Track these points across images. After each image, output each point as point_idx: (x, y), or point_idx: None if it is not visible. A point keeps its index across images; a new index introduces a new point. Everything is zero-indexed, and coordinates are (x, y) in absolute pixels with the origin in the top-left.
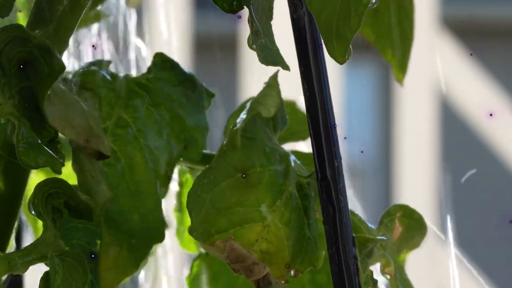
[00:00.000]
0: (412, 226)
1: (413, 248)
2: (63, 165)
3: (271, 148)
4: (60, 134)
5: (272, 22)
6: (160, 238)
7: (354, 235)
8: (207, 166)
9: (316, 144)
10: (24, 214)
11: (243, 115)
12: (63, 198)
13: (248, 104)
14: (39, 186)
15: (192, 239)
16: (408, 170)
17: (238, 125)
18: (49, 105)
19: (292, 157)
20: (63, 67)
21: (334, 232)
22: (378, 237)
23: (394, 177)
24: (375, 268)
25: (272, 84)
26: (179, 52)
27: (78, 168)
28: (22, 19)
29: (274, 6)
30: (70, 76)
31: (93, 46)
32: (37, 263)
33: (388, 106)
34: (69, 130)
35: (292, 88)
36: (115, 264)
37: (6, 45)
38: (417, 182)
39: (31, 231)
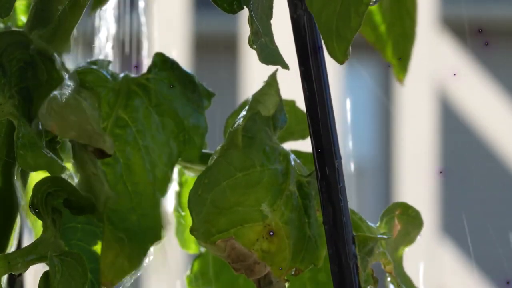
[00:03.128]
0: (409, 222)
1: (409, 244)
2: (62, 166)
3: (271, 147)
4: None
5: (272, 22)
6: (157, 238)
7: (354, 234)
8: (208, 165)
9: (316, 144)
10: (25, 214)
11: (243, 114)
12: (63, 196)
13: (247, 103)
14: (37, 186)
15: (192, 239)
16: (408, 170)
17: (238, 124)
18: (44, 111)
19: (292, 156)
20: (61, 78)
21: (334, 232)
22: (378, 236)
23: (394, 177)
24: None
25: (271, 82)
26: (179, 52)
27: (78, 166)
28: (20, 12)
29: (274, 6)
30: (70, 74)
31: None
32: (37, 263)
33: (388, 106)
34: (69, 131)
35: (292, 88)
36: (115, 261)
37: (8, 46)
38: (417, 182)
39: (31, 231)
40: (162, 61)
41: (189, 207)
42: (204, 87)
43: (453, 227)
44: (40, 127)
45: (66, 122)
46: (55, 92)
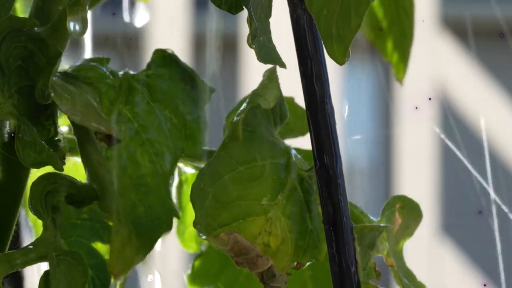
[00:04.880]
0: (409, 215)
1: (408, 237)
2: (64, 162)
3: (272, 142)
4: (59, 131)
5: (271, 22)
6: (168, 227)
7: (353, 224)
8: (210, 159)
9: (316, 144)
10: (26, 213)
11: (243, 107)
12: (63, 191)
13: (246, 100)
14: (34, 185)
15: (192, 238)
16: (408, 170)
17: (238, 116)
18: (57, 94)
19: (293, 151)
20: (59, 53)
21: (334, 231)
22: (376, 224)
23: (394, 177)
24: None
25: (271, 77)
26: (179, 52)
27: (84, 158)
28: (19, 13)
29: (274, 5)
30: (70, 72)
31: (113, 14)
32: (37, 262)
33: (388, 106)
34: (79, 117)
35: (292, 88)
36: (123, 253)
37: (1, 43)
38: (417, 182)
39: (31, 231)
40: (161, 57)
41: (191, 200)
42: (205, 82)
43: (453, 227)
44: (44, 121)
45: (75, 110)
46: (60, 80)
